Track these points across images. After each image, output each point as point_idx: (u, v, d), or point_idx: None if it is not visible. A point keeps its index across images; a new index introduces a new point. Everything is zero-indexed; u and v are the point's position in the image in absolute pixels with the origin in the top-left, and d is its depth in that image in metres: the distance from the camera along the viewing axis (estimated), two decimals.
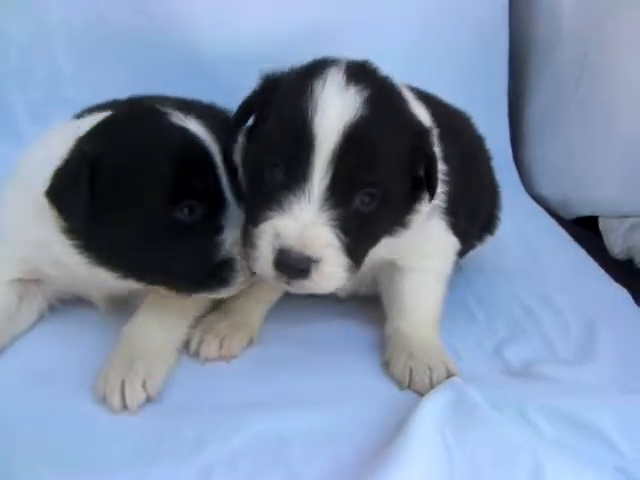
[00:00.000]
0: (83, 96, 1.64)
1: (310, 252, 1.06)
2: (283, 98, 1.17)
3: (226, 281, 1.21)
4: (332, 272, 1.10)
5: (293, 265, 1.07)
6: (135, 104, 1.29)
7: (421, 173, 1.21)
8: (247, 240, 1.17)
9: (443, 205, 1.33)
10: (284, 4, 2.16)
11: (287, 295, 1.44)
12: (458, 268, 1.63)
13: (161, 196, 1.15)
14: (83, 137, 1.20)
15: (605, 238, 2.09)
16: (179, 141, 1.18)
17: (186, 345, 1.34)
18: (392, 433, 1.11)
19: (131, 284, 1.26)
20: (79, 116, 1.45)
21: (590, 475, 1.06)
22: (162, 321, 1.30)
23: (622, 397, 1.24)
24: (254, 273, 1.18)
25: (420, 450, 1.05)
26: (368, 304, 1.49)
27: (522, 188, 2.36)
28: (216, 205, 1.21)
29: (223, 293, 1.25)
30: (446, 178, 1.30)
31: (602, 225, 2.13)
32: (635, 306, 1.64)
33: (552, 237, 2.03)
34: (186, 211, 1.17)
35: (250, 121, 1.27)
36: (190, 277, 1.22)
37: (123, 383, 1.16)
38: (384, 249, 1.28)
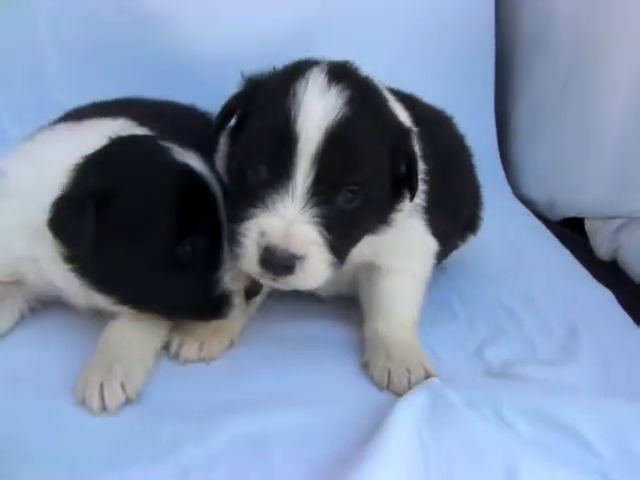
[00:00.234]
0: (69, 97, 1.64)
1: (295, 249, 1.09)
2: (265, 99, 1.18)
3: (223, 314, 1.27)
4: (316, 268, 1.12)
5: (278, 262, 1.09)
6: (135, 136, 1.29)
7: (402, 172, 1.23)
8: (231, 237, 1.17)
9: (423, 204, 1.34)
10: (271, 6, 2.16)
11: (267, 294, 1.45)
12: (441, 268, 1.63)
13: (165, 233, 1.18)
14: (85, 167, 1.20)
15: (591, 239, 2.10)
16: (183, 180, 1.21)
17: (166, 347, 1.33)
18: (369, 434, 1.10)
19: (124, 309, 1.27)
20: (61, 120, 1.46)
21: (566, 475, 1.05)
22: (142, 323, 1.30)
23: (601, 398, 1.24)
24: (250, 299, 1.28)
25: (396, 450, 1.05)
26: (348, 305, 1.49)
27: (508, 189, 2.36)
28: (216, 240, 1.24)
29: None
30: (425, 177, 1.31)
31: (588, 226, 2.14)
32: (619, 308, 1.63)
33: (537, 238, 2.03)
34: (188, 247, 1.20)
35: (232, 122, 1.27)
36: (188, 309, 1.27)
37: (102, 385, 1.16)
38: (366, 248, 1.29)
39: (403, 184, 1.24)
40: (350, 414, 1.19)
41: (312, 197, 1.11)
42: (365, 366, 1.33)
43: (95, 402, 1.16)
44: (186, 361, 1.31)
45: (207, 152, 1.31)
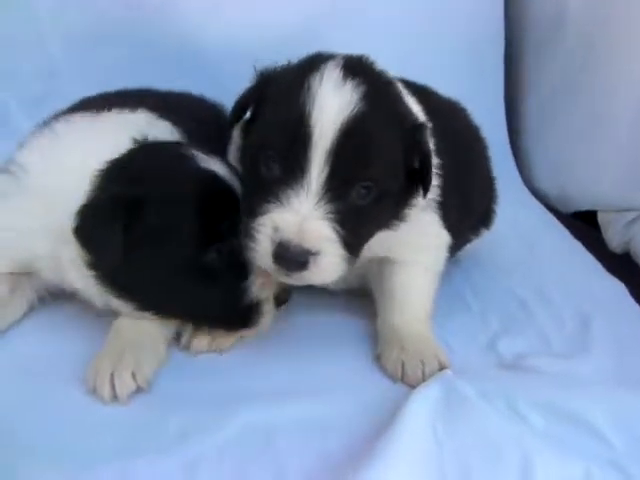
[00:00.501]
0: (74, 88, 1.64)
1: (309, 245, 1.09)
2: (279, 93, 1.18)
3: (252, 323, 1.25)
4: (330, 264, 1.12)
5: (292, 258, 1.09)
6: (159, 142, 1.27)
7: (416, 167, 1.22)
8: (245, 232, 1.17)
9: (437, 199, 1.33)
10: None
11: None
12: (454, 261, 1.63)
13: (191, 242, 1.17)
14: (110, 173, 1.19)
15: (604, 232, 2.09)
16: (209, 188, 1.19)
17: (177, 337, 1.33)
18: (382, 426, 1.10)
19: (145, 315, 1.26)
20: (73, 109, 1.45)
21: (580, 468, 1.05)
22: None
23: (614, 390, 1.23)
24: (280, 307, 1.27)
25: (410, 443, 1.05)
26: (361, 297, 1.49)
27: (520, 181, 2.34)
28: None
29: (246, 333, 1.29)
30: (439, 171, 1.30)
31: (601, 219, 2.12)
32: (632, 300, 1.63)
33: (549, 231, 2.02)
34: (215, 256, 1.19)
35: (246, 116, 1.27)
36: (216, 319, 1.26)
37: (113, 374, 1.17)
38: (378, 244, 1.28)
39: (417, 179, 1.23)
40: (363, 406, 1.19)
41: (326, 193, 1.10)
42: (378, 358, 1.33)
43: (106, 391, 1.16)
44: (197, 353, 1.32)
45: (220, 144, 1.31)
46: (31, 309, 1.39)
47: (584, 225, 2.18)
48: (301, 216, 1.09)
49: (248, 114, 1.27)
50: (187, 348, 1.32)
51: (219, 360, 1.31)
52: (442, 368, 1.26)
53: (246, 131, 1.26)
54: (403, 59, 1.81)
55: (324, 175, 1.10)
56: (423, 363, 1.26)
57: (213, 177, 1.20)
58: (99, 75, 2.05)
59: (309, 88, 1.12)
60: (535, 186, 2.34)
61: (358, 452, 1.07)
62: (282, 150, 1.12)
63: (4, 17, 2.07)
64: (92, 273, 1.21)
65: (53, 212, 1.20)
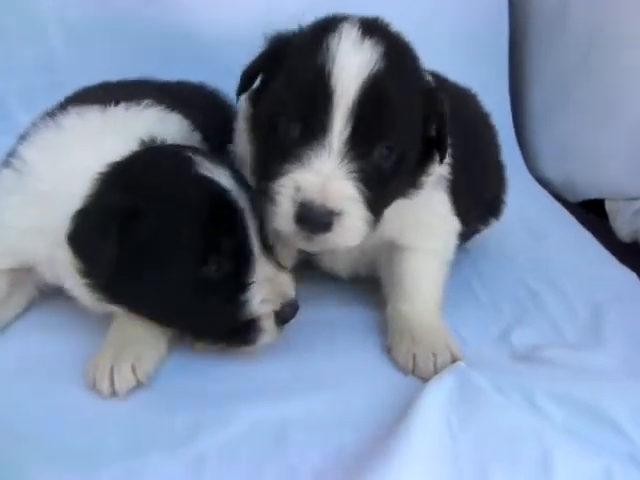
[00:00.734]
0: (76, 80, 1.59)
1: (332, 205, 1.06)
2: (296, 55, 1.15)
3: (252, 341, 1.19)
4: (354, 225, 1.09)
5: (315, 219, 1.06)
6: (163, 147, 1.22)
7: (433, 132, 1.20)
8: (263, 195, 1.14)
9: (448, 178, 1.31)
10: None
11: None
12: (462, 251, 1.60)
13: (189, 254, 1.11)
14: (108, 179, 1.14)
15: (612, 221, 2.06)
16: (209, 198, 1.13)
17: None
18: (396, 419, 1.08)
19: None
20: (76, 100, 1.41)
21: (599, 462, 1.03)
22: None
23: (632, 383, 1.21)
24: (281, 327, 1.19)
25: (425, 437, 1.03)
26: (368, 287, 1.46)
27: (526, 170, 2.31)
28: (244, 262, 1.17)
29: (247, 350, 1.22)
30: (449, 154, 1.27)
31: (609, 207, 2.10)
32: None
33: (557, 220, 2.00)
34: (213, 268, 1.13)
35: (254, 86, 1.25)
36: (213, 333, 1.21)
37: (112, 368, 1.15)
38: (389, 222, 1.25)
39: (433, 145, 1.22)
40: (375, 400, 1.16)
41: (349, 152, 1.08)
42: (389, 350, 1.30)
43: (105, 386, 1.14)
44: (201, 350, 1.28)
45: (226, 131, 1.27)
46: (32, 305, 1.37)
47: (591, 214, 2.16)
48: (324, 176, 1.06)
49: (257, 83, 1.24)
50: (192, 345, 1.29)
51: (225, 356, 1.27)
52: (454, 360, 1.23)
53: (256, 99, 1.24)
54: None
55: (346, 134, 1.08)
56: (435, 355, 1.24)
57: (215, 188, 1.14)
58: (99, 67, 2.00)
59: (327, 48, 1.10)
60: (541, 175, 2.31)
61: (372, 447, 1.05)
62: (302, 110, 1.09)
63: (4, 9, 2.03)
64: (85, 281, 1.17)
65: (52, 213, 1.15)
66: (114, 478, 1.00)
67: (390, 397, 1.17)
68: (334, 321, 1.39)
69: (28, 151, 1.25)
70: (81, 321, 1.31)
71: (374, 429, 1.09)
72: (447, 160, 1.26)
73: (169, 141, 1.25)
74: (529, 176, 2.29)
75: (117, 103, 1.29)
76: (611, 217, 2.07)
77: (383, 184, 1.13)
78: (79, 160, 1.17)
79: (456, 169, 1.31)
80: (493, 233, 1.69)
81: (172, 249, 1.11)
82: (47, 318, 1.34)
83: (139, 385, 1.16)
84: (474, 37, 2.32)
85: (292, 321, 1.21)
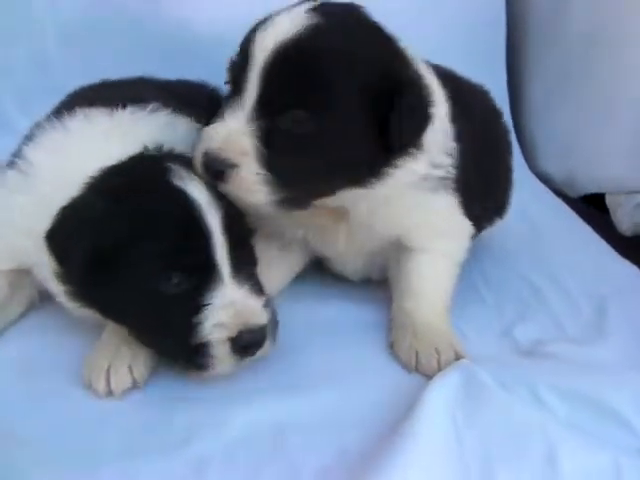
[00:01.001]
0: (70, 80, 1.59)
1: (226, 155, 1.12)
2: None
3: (202, 367, 1.12)
4: (247, 179, 1.12)
5: (211, 166, 1.13)
6: (145, 156, 1.20)
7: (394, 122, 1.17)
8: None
9: (452, 180, 1.30)
10: None
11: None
12: None
13: (149, 267, 1.09)
14: (94, 184, 1.14)
15: (612, 215, 2.05)
16: (178, 213, 1.11)
17: None
18: (400, 417, 1.07)
19: None
20: (77, 100, 1.41)
21: (605, 456, 1.02)
22: None
23: (636, 375, 1.20)
24: (244, 356, 1.13)
25: (430, 433, 1.02)
26: (375, 286, 1.46)
27: (526, 166, 2.29)
28: (205, 281, 1.12)
29: (203, 376, 1.16)
30: (458, 156, 1.28)
31: (609, 201, 2.08)
32: None
33: (558, 215, 1.99)
34: (172, 284, 1.10)
35: None
36: (168, 352, 1.17)
37: (109, 368, 1.14)
38: (391, 221, 1.27)
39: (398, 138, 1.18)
40: (378, 398, 1.16)
41: (257, 111, 1.12)
42: (391, 346, 1.30)
43: (101, 385, 1.14)
44: None
45: None
46: (32, 306, 1.36)
47: (592, 208, 2.15)
48: (228, 129, 1.13)
49: None
50: None
51: None
52: (458, 358, 1.22)
53: None
54: (404, 41, 1.78)
55: (256, 94, 1.12)
56: (438, 352, 1.23)
57: (185, 202, 1.11)
58: (94, 67, 2.00)
59: (268, 19, 1.16)
60: (541, 170, 2.30)
61: (376, 446, 1.04)
62: (233, 72, 1.18)
63: (0, 12, 2.02)
64: (61, 285, 1.18)
65: (43, 216, 1.15)
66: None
67: (394, 395, 1.16)
68: (335, 319, 1.39)
69: (33, 152, 1.25)
70: (80, 323, 1.30)
71: (378, 427, 1.09)
72: (448, 162, 1.26)
73: (175, 145, 1.24)
74: (529, 172, 2.27)
75: (124, 106, 1.29)
76: (612, 211, 2.05)
77: (295, 149, 1.13)
78: (83, 163, 1.17)
79: (466, 173, 1.31)
80: (495, 229, 1.68)
81: (135, 258, 1.10)
82: (46, 320, 1.33)
83: (135, 385, 1.15)
84: (472, 33, 2.30)
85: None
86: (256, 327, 1.12)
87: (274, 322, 1.18)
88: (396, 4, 2.14)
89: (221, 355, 1.11)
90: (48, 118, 1.32)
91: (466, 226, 1.37)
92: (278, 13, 1.17)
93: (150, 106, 1.31)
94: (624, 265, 1.69)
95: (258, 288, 1.18)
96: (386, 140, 1.17)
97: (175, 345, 1.13)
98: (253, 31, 1.16)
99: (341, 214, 1.30)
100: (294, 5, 1.19)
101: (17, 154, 1.28)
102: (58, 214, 1.13)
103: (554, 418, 1.08)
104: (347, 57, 1.13)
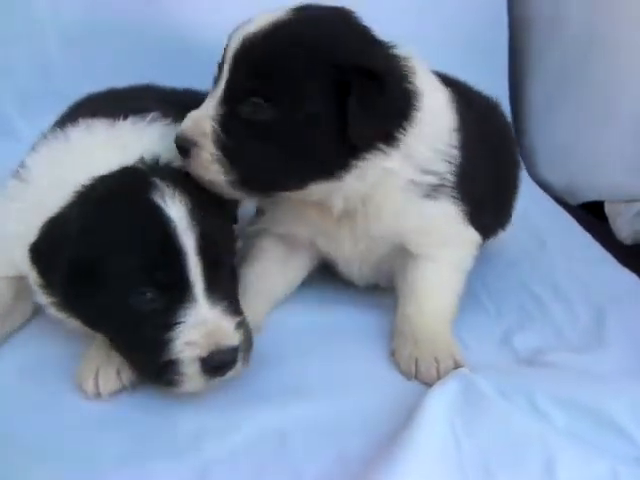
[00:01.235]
0: (71, 84, 1.61)
1: (191, 135, 1.21)
2: None
3: (171, 383, 1.12)
4: (202, 158, 1.20)
5: (180, 144, 1.22)
6: (130, 171, 1.20)
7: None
8: None
9: (452, 188, 1.30)
10: None
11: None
12: None
13: (123, 281, 1.10)
14: (81, 194, 1.16)
15: (612, 223, 2.05)
16: (153, 230, 1.11)
17: None
18: (399, 425, 1.08)
19: None
20: (80, 110, 1.43)
21: (604, 465, 1.03)
22: None
23: (635, 385, 1.20)
24: (214, 376, 1.13)
25: (429, 441, 1.02)
26: (379, 292, 1.47)
27: (526, 174, 2.28)
28: (178, 299, 1.12)
29: (172, 392, 1.15)
30: (465, 166, 1.29)
31: (609, 210, 2.09)
32: None
33: (558, 223, 2.00)
34: (145, 299, 1.11)
35: None
36: (139, 365, 1.18)
37: (98, 371, 1.17)
38: (389, 223, 1.29)
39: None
40: (379, 406, 1.16)
41: (225, 98, 1.20)
42: (392, 354, 1.30)
43: (90, 386, 1.17)
44: None
45: None
46: (36, 313, 1.37)
47: (589, 216, 2.15)
48: (199, 114, 1.22)
49: None
50: None
51: None
52: (457, 367, 1.23)
53: None
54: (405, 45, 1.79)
55: (225, 83, 1.20)
56: (437, 361, 1.24)
57: (162, 219, 1.11)
58: (95, 70, 2.02)
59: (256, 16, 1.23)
60: (541, 178, 2.31)
61: (376, 453, 1.04)
62: (219, 63, 1.26)
63: (1, 14, 2.03)
64: (43, 293, 1.19)
65: (32, 226, 1.16)
66: None
67: (395, 402, 1.17)
68: (340, 326, 1.40)
69: (33, 161, 1.28)
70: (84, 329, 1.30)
71: (379, 434, 1.09)
72: (446, 169, 1.27)
73: (172, 155, 1.25)
74: (529, 179, 2.27)
75: (126, 117, 1.30)
76: (611, 219, 2.06)
77: (251, 135, 1.19)
78: (79, 173, 1.18)
79: (474, 180, 1.32)
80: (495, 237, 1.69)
81: (110, 273, 1.11)
82: (48, 325, 1.33)
83: (123, 389, 1.18)
84: (473, 37, 2.33)
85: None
86: (227, 348, 1.12)
87: (248, 343, 1.18)
88: (397, 5, 2.17)
89: (190, 373, 1.11)
90: (52, 128, 1.34)
91: (472, 235, 1.38)
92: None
93: (150, 116, 1.33)
94: (624, 273, 1.69)
95: (233, 309, 1.17)
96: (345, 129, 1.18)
97: (146, 360, 1.14)
98: (236, 29, 1.24)
99: (345, 217, 1.31)
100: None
101: (21, 164, 1.30)
102: (42, 227, 1.14)
103: (553, 427, 1.08)
104: (305, 46, 1.18)
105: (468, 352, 1.30)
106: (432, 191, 1.29)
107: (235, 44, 1.20)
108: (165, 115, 1.35)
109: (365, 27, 1.27)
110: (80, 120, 1.31)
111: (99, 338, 1.23)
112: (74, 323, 1.22)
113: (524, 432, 1.06)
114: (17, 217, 1.22)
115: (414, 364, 1.25)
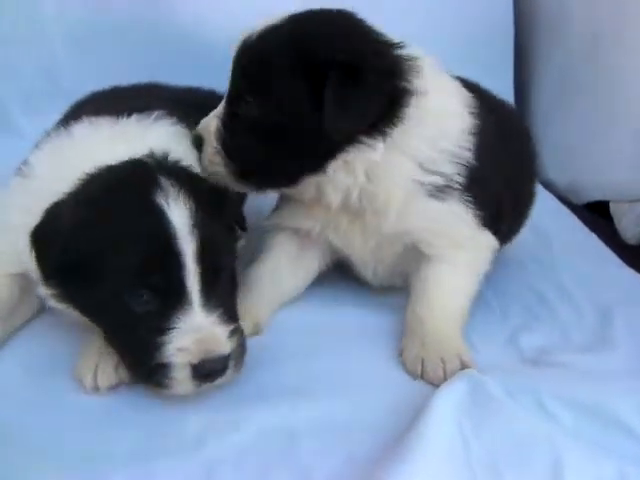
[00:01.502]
0: (77, 84, 1.61)
1: (202, 131, 1.33)
2: None
3: (160, 385, 1.13)
4: (206, 152, 1.31)
5: (195, 140, 1.33)
6: (136, 165, 1.19)
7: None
8: None
9: (463, 191, 1.29)
10: None
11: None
12: None
13: (118, 279, 1.10)
14: (80, 187, 1.16)
15: (616, 223, 2.05)
16: (151, 233, 1.11)
17: None
18: (407, 425, 1.07)
19: None
20: (85, 107, 1.43)
21: (611, 465, 1.03)
22: None
23: None
24: (205, 381, 1.13)
25: (437, 441, 1.02)
26: (387, 291, 1.47)
27: None
28: (173, 304, 1.11)
29: (163, 394, 1.16)
30: (473, 168, 1.29)
31: (613, 209, 2.09)
32: None
33: (564, 223, 2.00)
34: (140, 301, 1.10)
35: None
36: (130, 364, 1.18)
37: (97, 364, 1.18)
38: (389, 222, 1.29)
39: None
40: (387, 405, 1.16)
41: (228, 99, 1.30)
42: (400, 353, 1.30)
43: (88, 379, 1.18)
44: None
45: None
46: (41, 309, 1.37)
47: (594, 216, 2.15)
48: (212, 112, 1.33)
49: None
50: None
51: None
52: (465, 368, 1.22)
53: None
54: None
55: (230, 86, 1.30)
56: (444, 361, 1.24)
57: (161, 222, 1.11)
58: (100, 71, 2.01)
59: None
60: (546, 178, 2.29)
61: (384, 453, 1.04)
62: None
63: (5, 13, 2.04)
64: (43, 285, 1.19)
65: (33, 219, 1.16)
66: None
67: (404, 402, 1.17)
68: (350, 325, 1.40)
69: (34, 156, 1.29)
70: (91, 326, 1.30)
71: (387, 433, 1.09)
72: (460, 170, 1.28)
73: (176, 153, 1.26)
74: None
75: (130, 114, 1.31)
76: (616, 220, 2.06)
77: (243, 131, 1.27)
78: (79, 168, 1.18)
79: (484, 183, 1.32)
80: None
81: (105, 270, 1.10)
82: (53, 323, 1.34)
83: (121, 383, 1.19)
84: (479, 37, 2.33)
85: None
86: (218, 356, 1.12)
87: (240, 350, 1.17)
88: (404, 5, 2.16)
89: (180, 378, 1.11)
90: (56, 126, 1.35)
91: (488, 239, 1.37)
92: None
93: (154, 114, 1.34)
94: (629, 274, 1.69)
95: (228, 316, 1.16)
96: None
97: (138, 360, 1.14)
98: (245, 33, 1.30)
99: (353, 214, 1.32)
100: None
101: (24, 162, 1.31)
102: (43, 215, 1.15)
103: (560, 427, 1.08)
104: (289, 46, 1.22)
105: (475, 352, 1.30)
106: (438, 192, 1.28)
107: (237, 47, 1.28)
108: (170, 114, 1.36)
109: (367, 27, 1.28)
110: (84, 118, 1.31)
111: (98, 333, 1.23)
112: (75, 314, 1.22)
113: (531, 432, 1.06)
114: (20, 210, 1.23)
115: (420, 364, 1.25)
